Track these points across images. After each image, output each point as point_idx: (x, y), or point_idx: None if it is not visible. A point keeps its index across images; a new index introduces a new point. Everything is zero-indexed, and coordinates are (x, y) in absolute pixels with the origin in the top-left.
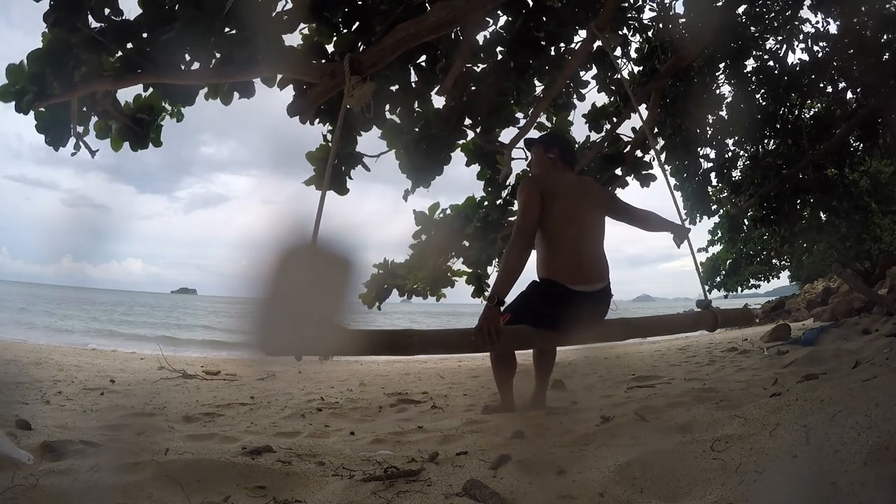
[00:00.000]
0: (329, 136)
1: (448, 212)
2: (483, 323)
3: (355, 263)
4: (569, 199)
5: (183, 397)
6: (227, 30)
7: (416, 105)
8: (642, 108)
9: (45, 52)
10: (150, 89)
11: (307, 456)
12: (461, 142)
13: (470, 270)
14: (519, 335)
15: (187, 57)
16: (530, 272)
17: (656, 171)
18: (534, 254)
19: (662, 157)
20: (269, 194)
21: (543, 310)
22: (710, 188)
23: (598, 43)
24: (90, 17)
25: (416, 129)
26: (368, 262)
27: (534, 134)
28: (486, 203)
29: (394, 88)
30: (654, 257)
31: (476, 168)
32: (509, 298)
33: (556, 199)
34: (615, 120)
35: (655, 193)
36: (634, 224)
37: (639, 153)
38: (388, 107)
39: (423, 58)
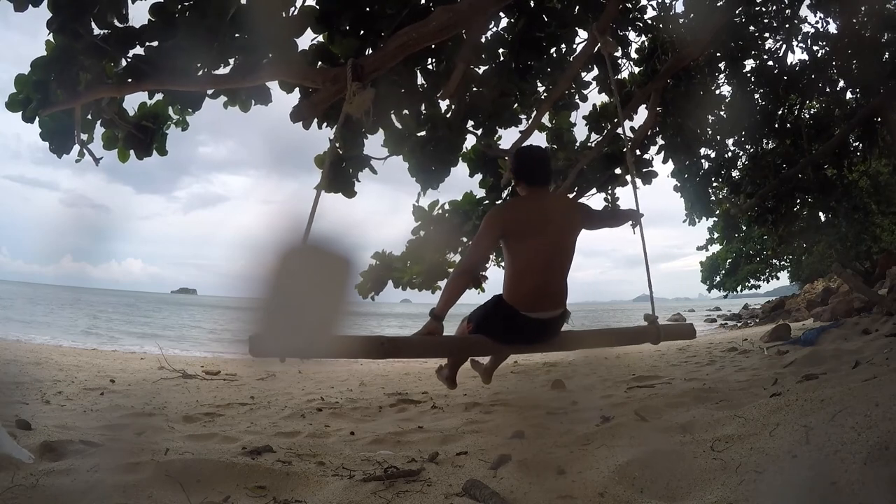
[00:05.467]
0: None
1: (447, 208)
2: (424, 332)
3: (352, 264)
4: (535, 231)
5: (183, 397)
6: (232, 34)
7: (423, 108)
8: (642, 108)
9: (48, 60)
10: (156, 98)
11: (307, 456)
12: (463, 149)
13: None
14: (479, 344)
15: (192, 63)
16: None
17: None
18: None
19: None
20: (267, 194)
21: (502, 331)
22: (710, 189)
23: (599, 45)
24: (94, 23)
25: (424, 132)
26: (366, 261)
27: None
28: (486, 202)
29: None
30: (654, 257)
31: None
32: (490, 296)
33: (521, 234)
34: (615, 120)
35: (656, 193)
36: (607, 225)
37: (638, 152)
38: (392, 111)
39: (431, 61)
